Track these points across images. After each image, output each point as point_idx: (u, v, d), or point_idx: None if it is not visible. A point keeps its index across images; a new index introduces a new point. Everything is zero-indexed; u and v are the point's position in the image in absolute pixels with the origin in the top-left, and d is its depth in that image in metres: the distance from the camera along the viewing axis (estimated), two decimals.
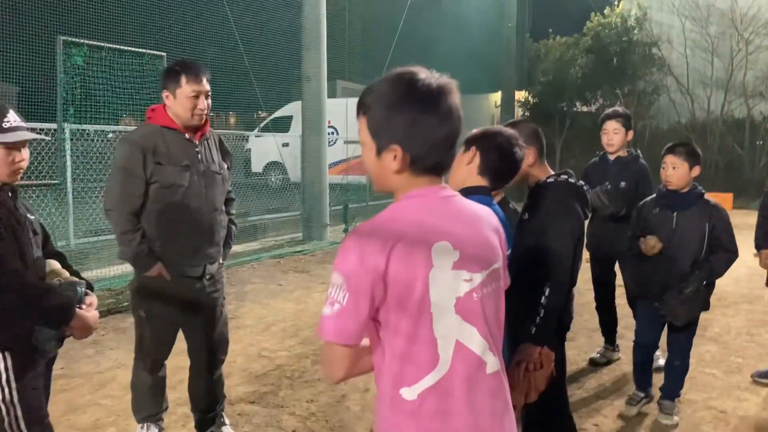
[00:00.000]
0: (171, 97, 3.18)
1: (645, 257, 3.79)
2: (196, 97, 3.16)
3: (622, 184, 4.62)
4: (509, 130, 2.48)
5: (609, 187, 4.52)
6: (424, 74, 1.53)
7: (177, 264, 3.26)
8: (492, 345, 1.58)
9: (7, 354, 2.15)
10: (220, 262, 3.47)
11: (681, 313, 3.73)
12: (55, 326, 2.23)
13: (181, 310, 3.35)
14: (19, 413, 2.16)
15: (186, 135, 3.25)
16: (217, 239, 3.39)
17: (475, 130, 2.54)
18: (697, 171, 3.72)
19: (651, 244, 3.72)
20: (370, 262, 1.44)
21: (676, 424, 3.88)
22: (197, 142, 3.29)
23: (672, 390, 3.96)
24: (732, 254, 3.74)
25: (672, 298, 3.69)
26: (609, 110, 4.92)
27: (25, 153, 2.37)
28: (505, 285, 1.72)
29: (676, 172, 3.70)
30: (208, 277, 3.37)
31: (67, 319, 2.23)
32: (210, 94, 3.26)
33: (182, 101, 3.16)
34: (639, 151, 4.85)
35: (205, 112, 3.24)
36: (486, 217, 1.64)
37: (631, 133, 4.77)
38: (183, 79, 3.15)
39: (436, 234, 1.49)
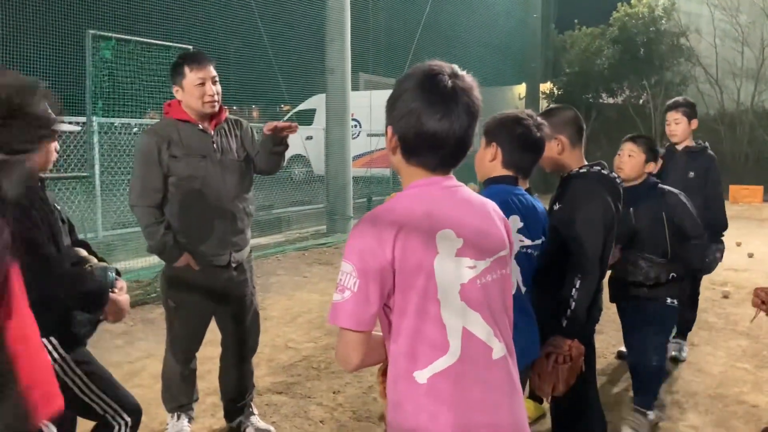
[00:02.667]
0: (180, 90, 3.23)
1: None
2: (203, 84, 3.19)
3: (691, 174, 4.59)
4: (525, 114, 2.44)
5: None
6: (446, 73, 1.55)
7: (203, 254, 3.29)
8: (497, 331, 1.60)
9: (52, 338, 2.20)
10: (248, 249, 3.50)
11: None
12: (92, 310, 2.27)
13: (210, 300, 3.39)
14: (86, 380, 2.24)
15: (200, 126, 3.28)
16: (241, 227, 3.40)
17: (490, 120, 2.50)
18: (651, 167, 3.59)
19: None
20: (378, 250, 1.48)
21: None
22: (212, 132, 3.31)
23: (640, 396, 3.68)
24: (699, 239, 3.58)
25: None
26: (670, 101, 4.94)
27: (56, 144, 2.41)
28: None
29: (630, 160, 3.58)
30: (235, 265, 3.39)
31: (103, 303, 2.27)
32: (217, 78, 3.27)
33: (190, 91, 3.19)
34: (707, 143, 4.80)
35: (216, 98, 3.25)
36: (491, 208, 1.67)
37: (695, 122, 4.76)
38: (186, 69, 3.19)
39: (440, 222, 1.53)
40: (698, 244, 3.58)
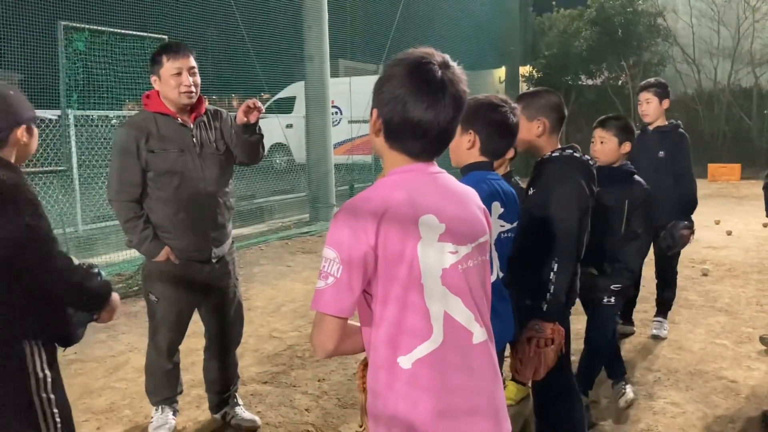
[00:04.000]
0: (157, 80, 3.20)
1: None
2: (179, 74, 3.15)
3: (661, 153, 4.62)
4: (500, 99, 2.44)
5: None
6: (437, 62, 1.55)
7: (183, 249, 3.27)
8: (478, 316, 1.62)
9: (41, 345, 2.10)
10: (230, 242, 3.48)
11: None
12: (95, 309, 2.22)
13: (192, 293, 3.38)
14: (55, 410, 2.14)
15: (179, 120, 3.24)
16: (221, 221, 3.38)
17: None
18: (627, 147, 3.51)
19: None
20: (361, 235, 1.49)
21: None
22: (192, 126, 3.27)
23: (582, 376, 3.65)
24: (639, 242, 3.48)
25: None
26: (643, 82, 4.98)
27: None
28: None
29: (603, 147, 3.52)
30: (215, 260, 3.37)
31: (108, 301, 2.23)
32: (196, 70, 3.23)
33: (167, 80, 3.16)
34: (680, 122, 4.83)
35: (192, 88, 3.19)
36: (472, 195, 1.70)
37: (666, 102, 4.78)
38: (164, 58, 3.15)
39: (423, 207, 1.54)
40: (637, 246, 3.49)
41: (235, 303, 3.54)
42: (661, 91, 4.75)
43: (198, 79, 3.24)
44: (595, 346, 3.63)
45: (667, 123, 4.78)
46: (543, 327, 2.57)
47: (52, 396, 2.12)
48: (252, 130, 3.24)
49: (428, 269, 1.53)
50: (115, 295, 2.27)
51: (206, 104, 3.36)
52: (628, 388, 3.81)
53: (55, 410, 2.13)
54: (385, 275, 1.51)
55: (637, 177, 3.58)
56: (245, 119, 3.17)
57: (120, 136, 3.24)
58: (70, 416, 2.24)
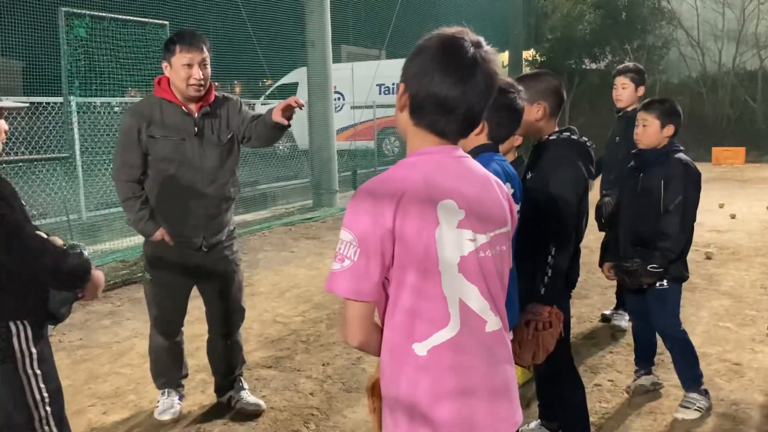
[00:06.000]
0: (168, 66, 3.20)
1: (612, 221, 3.68)
2: (190, 66, 3.13)
3: (617, 139, 4.57)
4: (505, 82, 2.41)
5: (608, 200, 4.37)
6: (469, 40, 1.52)
7: (177, 234, 3.32)
8: (492, 305, 1.59)
9: (26, 323, 2.15)
10: (228, 230, 3.49)
11: (621, 281, 3.55)
12: (75, 287, 2.24)
13: (186, 277, 3.42)
14: (42, 385, 2.18)
15: (184, 108, 3.24)
16: (217, 211, 3.36)
17: None
18: (670, 130, 3.38)
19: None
20: (379, 218, 1.45)
21: (695, 419, 3.42)
22: (196, 114, 3.26)
23: (683, 378, 3.54)
24: (672, 216, 3.30)
25: (618, 268, 3.46)
26: (620, 66, 4.88)
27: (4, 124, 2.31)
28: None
29: (646, 130, 3.41)
30: (206, 249, 3.37)
31: (87, 279, 2.24)
32: (208, 63, 3.21)
33: (177, 70, 3.16)
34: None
35: (201, 82, 3.17)
36: (495, 183, 1.64)
37: (642, 89, 4.68)
38: (177, 47, 3.15)
39: (442, 192, 1.50)
40: (670, 220, 3.32)
41: (234, 287, 3.53)
42: (638, 77, 4.65)
43: (209, 71, 3.23)
44: (669, 335, 3.51)
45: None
46: (541, 310, 2.57)
47: (38, 371, 2.16)
48: (284, 126, 3.22)
49: (446, 256, 1.49)
50: (96, 273, 2.28)
51: (215, 94, 3.33)
52: (644, 379, 3.74)
53: (42, 385, 2.17)
54: (401, 259, 1.48)
55: (677, 155, 3.38)
56: (282, 120, 3.14)
57: (124, 122, 3.31)
58: (59, 389, 2.28)
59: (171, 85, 3.23)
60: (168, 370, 3.55)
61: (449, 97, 1.49)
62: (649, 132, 3.40)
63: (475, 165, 1.62)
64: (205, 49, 3.18)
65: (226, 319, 3.56)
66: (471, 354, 1.55)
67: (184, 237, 3.32)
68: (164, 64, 3.22)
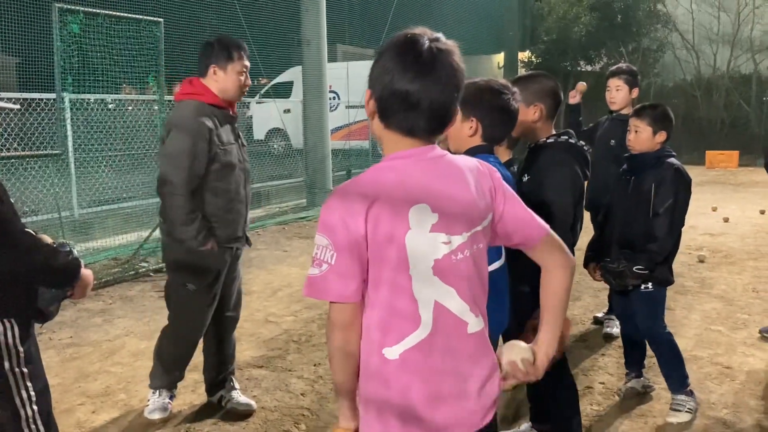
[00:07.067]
0: (220, 71, 3.24)
1: (603, 223, 3.65)
2: (244, 73, 3.29)
3: (612, 142, 4.54)
4: (500, 84, 2.41)
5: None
6: (427, 36, 1.52)
7: (228, 237, 3.36)
8: (473, 306, 1.59)
9: (13, 322, 2.13)
10: None
11: (607, 282, 3.53)
12: (64, 286, 2.22)
13: (221, 279, 3.44)
14: (29, 383, 2.15)
15: (230, 112, 3.36)
16: (248, 210, 3.55)
17: (465, 90, 2.44)
18: (662, 136, 3.39)
19: None
20: (351, 222, 1.46)
21: (687, 422, 3.43)
22: (235, 118, 3.42)
23: (669, 380, 3.55)
24: (662, 219, 3.30)
25: (604, 269, 3.45)
26: (614, 67, 4.84)
27: None
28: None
29: (638, 136, 3.42)
30: (246, 248, 3.57)
31: (77, 277, 2.22)
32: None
33: (233, 77, 3.25)
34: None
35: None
36: (477, 176, 1.62)
37: (636, 91, 4.65)
38: (236, 54, 3.25)
39: (415, 196, 1.50)
40: (660, 222, 3.33)
41: (239, 280, 3.65)
42: (632, 79, 4.61)
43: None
44: (654, 338, 3.52)
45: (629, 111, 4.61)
46: None
47: (25, 369, 2.15)
48: None
49: (418, 260, 1.49)
50: (85, 271, 2.26)
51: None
52: (634, 382, 3.73)
53: (29, 383, 2.15)
54: (375, 259, 1.48)
55: (669, 160, 3.40)
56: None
57: (188, 128, 3.16)
58: (46, 388, 2.26)
59: (218, 90, 3.26)
60: (170, 374, 3.53)
61: (410, 91, 1.49)
62: (642, 138, 3.41)
63: (452, 163, 1.60)
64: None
65: (232, 316, 3.64)
66: (443, 356, 1.55)
67: (234, 237, 3.39)
68: (213, 69, 3.23)
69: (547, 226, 1.72)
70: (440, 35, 1.55)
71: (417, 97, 1.49)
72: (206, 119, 3.18)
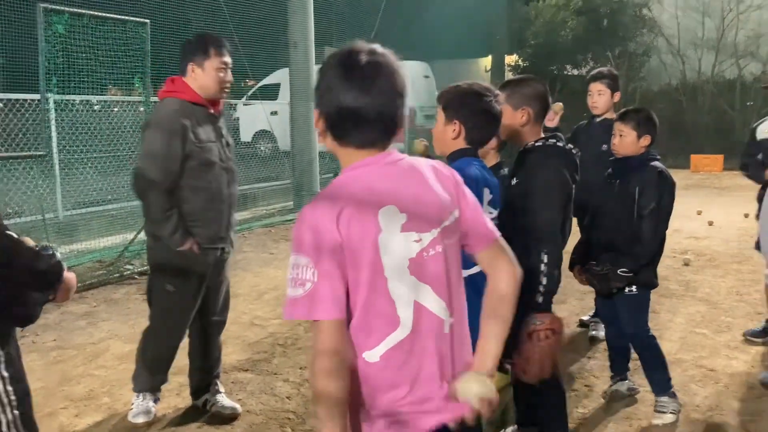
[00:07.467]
0: (198, 69, 3.23)
1: (589, 226, 3.65)
2: (224, 69, 3.25)
3: (604, 147, 4.52)
4: (481, 86, 2.42)
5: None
6: (364, 50, 1.55)
7: (209, 237, 3.32)
8: (449, 303, 1.61)
9: None
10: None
11: (591, 285, 3.54)
12: (47, 289, 2.20)
13: (204, 281, 3.41)
14: (9, 388, 2.13)
15: (211, 110, 3.31)
16: (234, 211, 3.52)
17: (447, 94, 2.46)
18: (647, 140, 3.40)
19: None
20: (325, 234, 1.47)
21: (672, 423, 3.45)
22: (218, 116, 3.37)
23: (653, 382, 3.56)
24: (647, 221, 3.31)
25: (588, 272, 3.47)
26: (594, 71, 4.82)
27: None
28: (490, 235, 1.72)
29: (622, 140, 3.43)
30: (231, 244, 3.50)
31: (60, 279, 2.20)
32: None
33: (211, 73, 3.23)
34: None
35: (229, 86, 3.34)
36: (435, 174, 1.64)
37: (617, 95, 4.64)
38: (212, 51, 3.22)
39: (383, 198, 1.52)
40: (645, 225, 3.33)
41: (226, 284, 3.62)
42: (614, 83, 4.59)
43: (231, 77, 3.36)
44: (638, 341, 3.54)
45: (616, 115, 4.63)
46: (542, 319, 2.55)
47: (5, 374, 2.12)
48: None
49: (393, 261, 1.52)
50: (68, 275, 2.24)
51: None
52: (619, 384, 3.74)
53: (9, 387, 2.13)
54: (353, 264, 1.50)
55: (653, 163, 3.41)
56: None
57: (163, 125, 3.17)
58: (27, 392, 2.23)
59: (197, 88, 3.23)
60: (153, 376, 3.50)
61: (357, 107, 1.52)
62: (626, 142, 3.43)
63: (411, 165, 1.62)
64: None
65: (219, 320, 3.61)
66: (424, 356, 1.57)
67: (216, 238, 3.34)
68: (191, 66, 3.23)
69: (498, 233, 1.73)
70: (377, 46, 1.58)
71: (365, 112, 1.52)
72: (182, 117, 3.16)
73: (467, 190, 1.72)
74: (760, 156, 4.57)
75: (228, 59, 3.29)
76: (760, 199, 4.73)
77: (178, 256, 3.25)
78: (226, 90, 3.33)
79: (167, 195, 3.18)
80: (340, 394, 1.49)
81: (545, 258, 2.57)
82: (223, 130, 3.42)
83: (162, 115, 3.24)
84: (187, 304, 3.38)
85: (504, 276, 1.69)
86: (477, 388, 1.58)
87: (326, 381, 1.48)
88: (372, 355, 1.53)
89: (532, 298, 2.56)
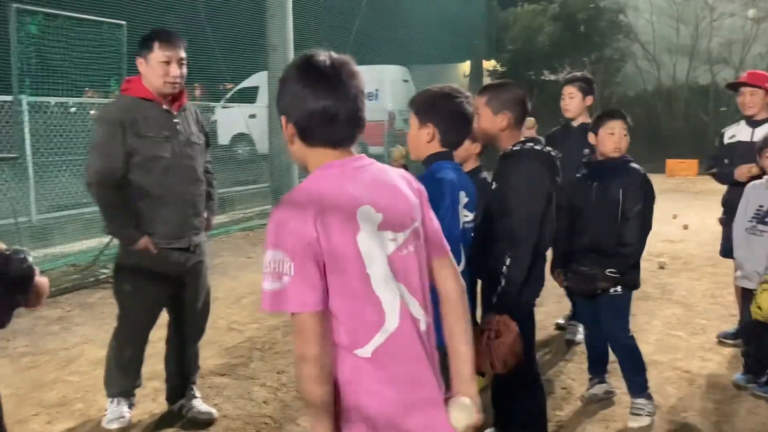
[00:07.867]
0: (144, 63, 3.18)
1: (568, 229, 3.61)
2: (168, 63, 3.15)
3: (585, 151, 4.54)
4: (452, 88, 2.44)
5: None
6: (323, 55, 1.60)
7: (164, 236, 3.25)
8: (421, 302, 1.64)
9: None
10: (205, 231, 3.50)
11: (576, 286, 3.55)
12: (18, 294, 2.15)
13: (167, 283, 3.34)
14: None
15: (164, 106, 3.23)
16: (201, 209, 3.41)
17: (419, 99, 2.48)
18: (589, 101, 3.63)
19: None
20: (302, 230, 1.48)
21: (647, 425, 3.46)
22: (175, 113, 3.28)
23: (630, 384, 3.58)
24: (632, 222, 3.34)
25: (573, 273, 3.48)
26: (569, 75, 4.85)
27: None
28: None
29: (611, 138, 3.40)
30: (192, 248, 3.37)
31: (30, 285, 2.16)
32: (185, 62, 3.25)
33: (154, 67, 3.15)
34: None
35: (179, 80, 3.21)
36: (403, 180, 1.69)
37: (590, 99, 4.60)
38: (155, 44, 3.15)
39: (358, 199, 1.55)
40: (630, 225, 3.36)
41: (204, 292, 3.55)
42: (586, 87, 4.57)
43: (185, 71, 3.25)
44: (618, 342, 3.56)
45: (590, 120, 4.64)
46: (492, 319, 2.58)
47: None
48: None
49: (372, 259, 1.53)
50: (41, 279, 2.20)
51: (187, 97, 3.40)
52: (597, 387, 3.76)
53: None
54: (332, 265, 1.50)
55: (634, 165, 3.43)
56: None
57: (107, 118, 3.20)
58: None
59: (145, 83, 3.20)
60: (124, 379, 3.44)
61: (326, 107, 1.56)
62: (614, 140, 3.40)
63: (380, 168, 1.67)
64: (182, 48, 3.21)
65: (195, 325, 3.55)
66: (408, 358, 1.59)
67: (171, 238, 3.26)
68: (139, 61, 3.19)
69: (448, 248, 1.79)
70: (331, 52, 1.62)
71: (334, 111, 1.56)
72: (125, 112, 3.14)
73: (429, 205, 1.76)
74: (726, 161, 4.66)
75: (177, 53, 3.17)
76: (725, 204, 4.82)
77: (137, 256, 3.22)
78: (174, 84, 3.19)
79: (113, 189, 3.14)
80: (327, 397, 1.52)
81: (508, 261, 2.59)
82: (186, 126, 3.30)
83: (105, 110, 3.31)
84: (147, 304, 3.33)
85: (451, 283, 1.76)
86: (466, 419, 1.65)
87: (312, 386, 1.50)
88: (363, 352, 1.54)
89: (489, 298, 2.59)
